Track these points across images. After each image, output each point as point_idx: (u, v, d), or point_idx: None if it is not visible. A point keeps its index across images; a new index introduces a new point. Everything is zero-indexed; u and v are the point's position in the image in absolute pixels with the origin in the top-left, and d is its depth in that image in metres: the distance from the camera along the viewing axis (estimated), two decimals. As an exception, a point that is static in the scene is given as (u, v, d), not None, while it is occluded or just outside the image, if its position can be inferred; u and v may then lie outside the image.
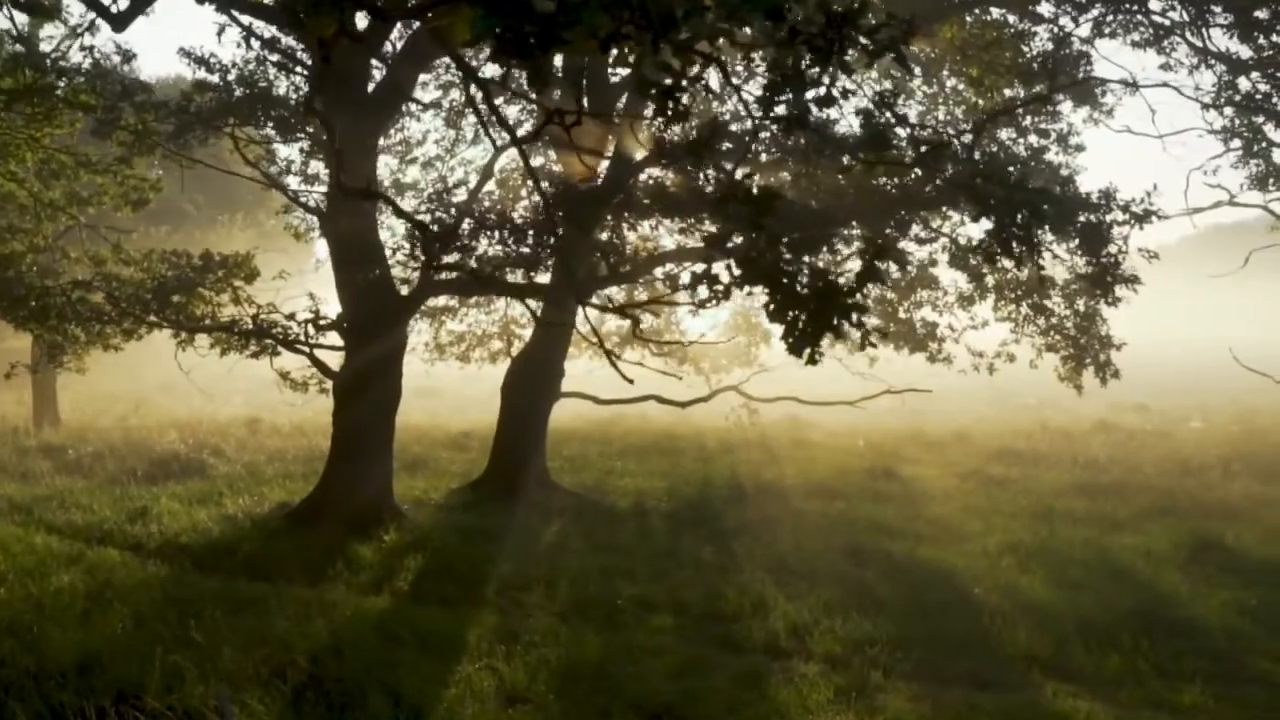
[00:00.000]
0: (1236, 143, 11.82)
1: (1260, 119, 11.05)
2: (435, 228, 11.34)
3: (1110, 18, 13.06)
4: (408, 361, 19.33)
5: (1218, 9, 11.02)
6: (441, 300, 17.23)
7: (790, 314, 3.27)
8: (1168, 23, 11.37)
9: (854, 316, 3.37)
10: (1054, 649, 7.58)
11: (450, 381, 27.28)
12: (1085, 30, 13.49)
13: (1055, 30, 13.77)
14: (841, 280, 3.41)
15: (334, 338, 12.03)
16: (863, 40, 2.85)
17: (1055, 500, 13.79)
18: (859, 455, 17.89)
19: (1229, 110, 11.33)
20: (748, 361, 20.55)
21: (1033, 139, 15.89)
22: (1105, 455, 17.22)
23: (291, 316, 12.21)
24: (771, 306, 3.42)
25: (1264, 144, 11.62)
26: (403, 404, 27.60)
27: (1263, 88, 10.65)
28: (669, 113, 2.91)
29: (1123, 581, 9.56)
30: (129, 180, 13.86)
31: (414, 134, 17.29)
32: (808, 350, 3.36)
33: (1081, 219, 9.35)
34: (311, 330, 11.57)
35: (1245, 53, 11.05)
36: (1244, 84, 10.94)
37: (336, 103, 11.11)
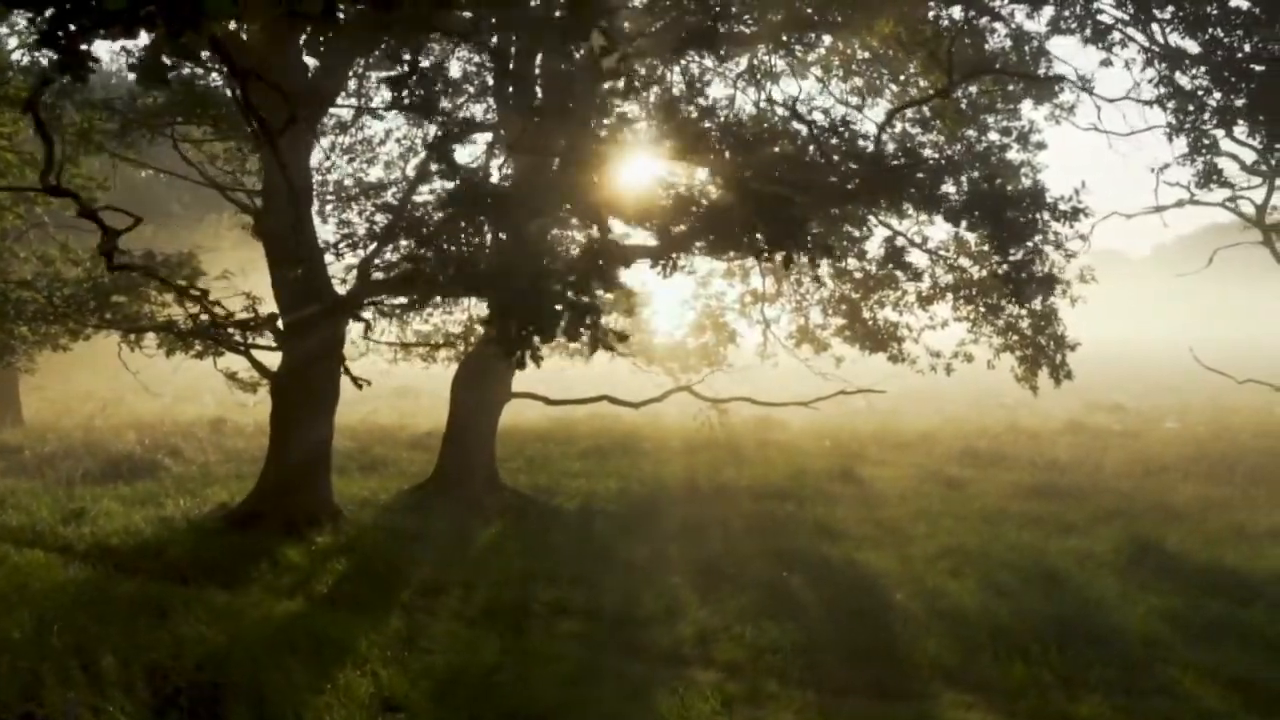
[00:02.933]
0: (1182, 141, 11.61)
1: (1204, 115, 10.80)
2: (370, 226, 11.26)
3: (1065, 12, 12.90)
4: (373, 361, 19.42)
5: None
6: (401, 299, 17.10)
7: (504, 317, 3.13)
8: (1110, 20, 11.17)
9: (588, 318, 3.22)
10: (962, 657, 7.41)
11: (427, 381, 27.19)
12: (1041, 26, 13.32)
13: (1011, 26, 13.61)
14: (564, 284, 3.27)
15: (272, 338, 11.92)
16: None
17: (1009, 502, 13.61)
18: (822, 456, 17.72)
19: (1170, 105, 11.11)
20: (716, 361, 20.38)
21: (994, 136, 15.86)
22: (1069, 456, 17.01)
23: (230, 316, 12.11)
24: (488, 310, 3.27)
25: (1207, 141, 11.38)
26: (376, 404, 27.49)
27: (1202, 83, 10.42)
28: (404, 101, 2.78)
29: (1054, 587, 9.37)
30: (75, 179, 13.76)
31: (376, 133, 17.14)
32: (519, 354, 3.21)
33: (1011, 216, 9.15)
34: (245, 330, 11.45)
35: (1193, 48, 10.84)
36: (1185, 82, 10.72)
37: (265, 98, 11.01)
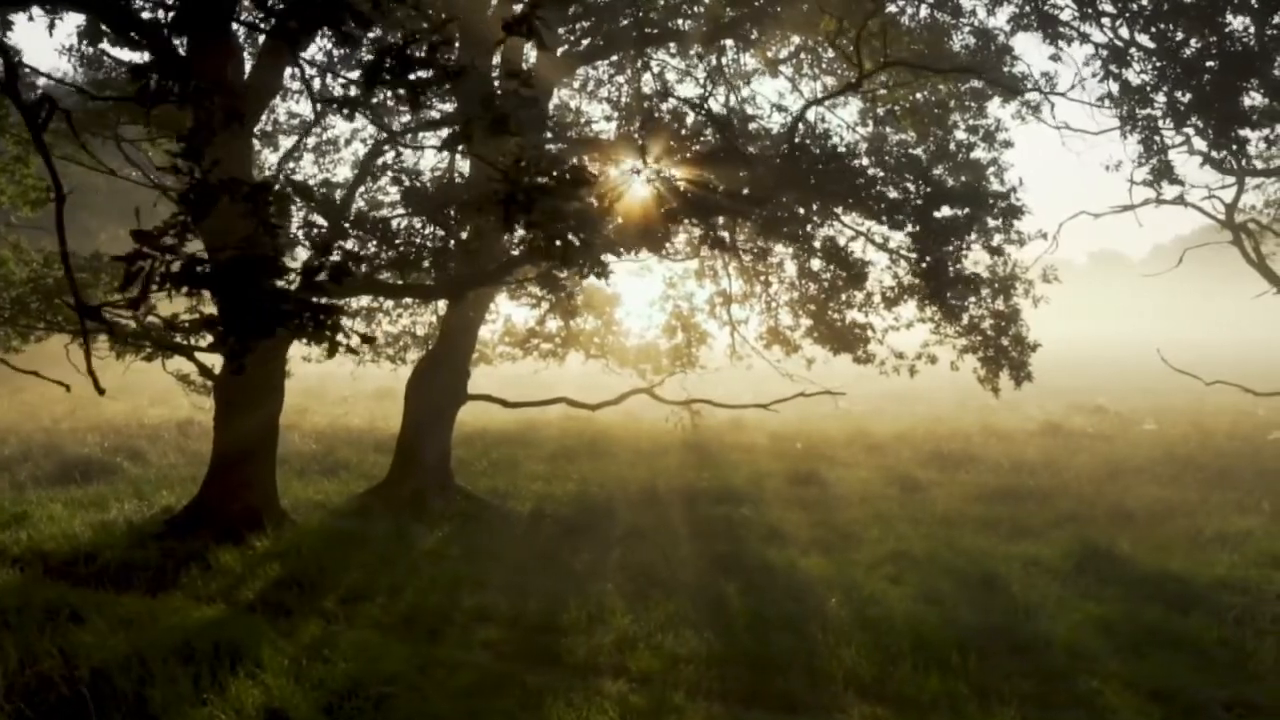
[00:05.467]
0: (1134, 140, 11.40)
1: (1155, 112, 10.59)
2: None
3: (1027, 7, 12.70)
4: (339, 363, 19.27)
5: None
6: (365, 300, 16.99)
7: (226, 317, 2.99)
8: (1068, 16, 10.96)
9: (323, 319, 3.07)
10: (880, 668, 7.21)
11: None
12: (1003, 23, 13.11)
13: (975, 22, 13.42)
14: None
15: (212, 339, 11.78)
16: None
17: (969, 506, 13.43)
18: (790, 458, 17.53)
19: (1120, 101, 10.89)
20: (689, 362, 20.16)
21: (960, 134, 15.67)
22: (1039, 459, 16.78)
23: (175, 318, 11.96)
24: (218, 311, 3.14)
25: (1158, 140, 11.16)
26: (355, 405, 27.27)
27: (1149, 79, 10.20)
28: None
29: (992, 593, 9.18)
30: (26, 179, 13.67)
31: (342, 133, 17.00)
32: (240, 356, 3.07)
33: (939, 216, 8.96)
34: (182, 331, 11.32)
35: (1148, 45, 10.62)
36: (1133, 78, 10.52)
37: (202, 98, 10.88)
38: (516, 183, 3.43)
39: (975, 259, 14.38)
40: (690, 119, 9.03)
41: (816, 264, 15.61)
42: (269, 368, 11.83)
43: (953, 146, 15.30)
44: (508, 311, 19.29)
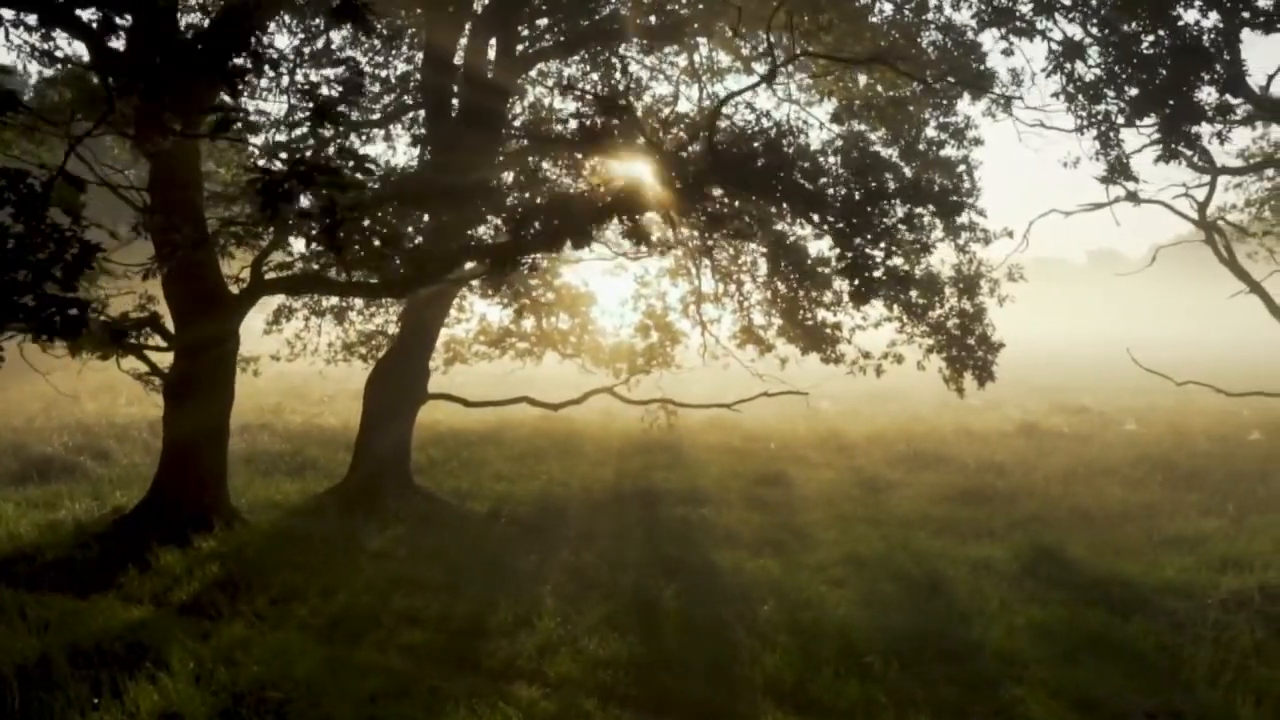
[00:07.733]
0: (1091, 136, 11.22)
1: (1108, 107, 10.43)
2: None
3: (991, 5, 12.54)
4: (311, 362, 19.18)
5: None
6: (334, 299, 16.88)
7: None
8: (1024, 10, 10.79)
9: (69, 312, 2.96)
10: (801, 675, 7.06)
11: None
12: (968, 18, 12.94)
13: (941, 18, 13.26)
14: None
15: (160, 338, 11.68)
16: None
17: (933, 507, 13.27)
18: (761, 458, 17.37)
19: (1075, 96, 10.72)
20: (664, 361, 20.01)
21: (931, 131, 15.49)
22: (1010, 460, 16.58)
23: (125, 316, 11.87)
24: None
25: (1114, 135, 10.98)
26: (333, 405, 27.12)
27: (1100, 74, 10.02)
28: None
29: (935, 598, 9.03)
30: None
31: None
32: None
33: (874, 211, 8.79)
34: (126, 329, 11.20)
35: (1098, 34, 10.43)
36: (1085, 71, 10.34)
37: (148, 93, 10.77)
38: (272, 173, 3.31)
39: (942, 257, 14.27)
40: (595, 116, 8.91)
41: (781, 263, 15.46)
42: (216, 364, 11.72)
43: (922, 145, 15.16)
44: (482, 310, 19.19)
